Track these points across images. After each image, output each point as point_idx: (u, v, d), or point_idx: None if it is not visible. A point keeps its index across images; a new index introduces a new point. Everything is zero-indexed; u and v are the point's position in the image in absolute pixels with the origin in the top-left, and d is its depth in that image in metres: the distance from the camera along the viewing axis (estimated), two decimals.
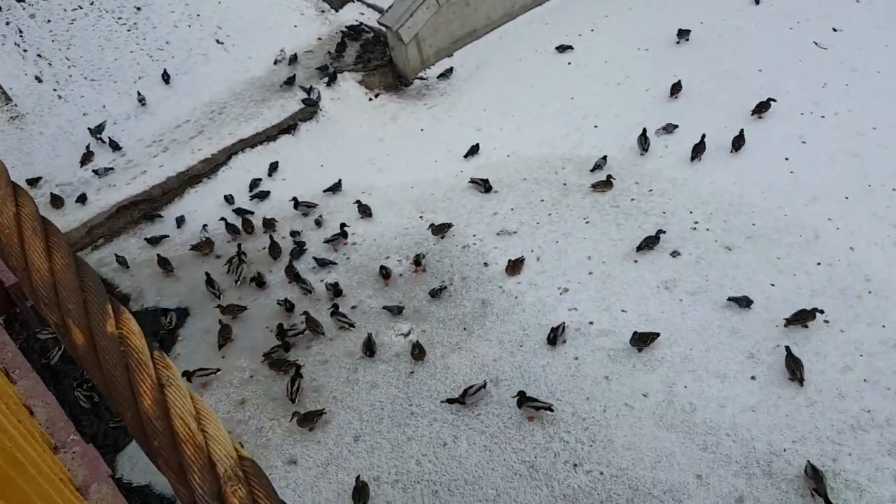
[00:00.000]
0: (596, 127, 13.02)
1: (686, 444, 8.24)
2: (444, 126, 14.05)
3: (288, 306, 10.63)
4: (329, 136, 14.26)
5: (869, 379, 8.44)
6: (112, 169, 13.17)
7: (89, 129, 13.69)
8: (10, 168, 13.03)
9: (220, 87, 14.93)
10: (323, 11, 16.51)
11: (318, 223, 12.22)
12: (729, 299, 9.40)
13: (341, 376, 9.80)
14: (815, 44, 13.27)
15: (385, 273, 10.88)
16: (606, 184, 11.53)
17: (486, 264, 10.93)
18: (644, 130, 12.24)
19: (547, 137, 13.13)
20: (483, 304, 10.33)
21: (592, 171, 12.01)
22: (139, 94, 14.07)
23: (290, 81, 14.63)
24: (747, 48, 13.65)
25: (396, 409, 9.25)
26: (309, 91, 14.28)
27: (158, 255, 11.79)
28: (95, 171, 13.12)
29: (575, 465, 8.27)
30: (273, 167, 13.50)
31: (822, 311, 8.98)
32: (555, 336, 9.41)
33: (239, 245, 11.71)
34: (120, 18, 15.38)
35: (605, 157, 12.07)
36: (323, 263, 11.35)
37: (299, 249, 11.71)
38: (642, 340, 9.12)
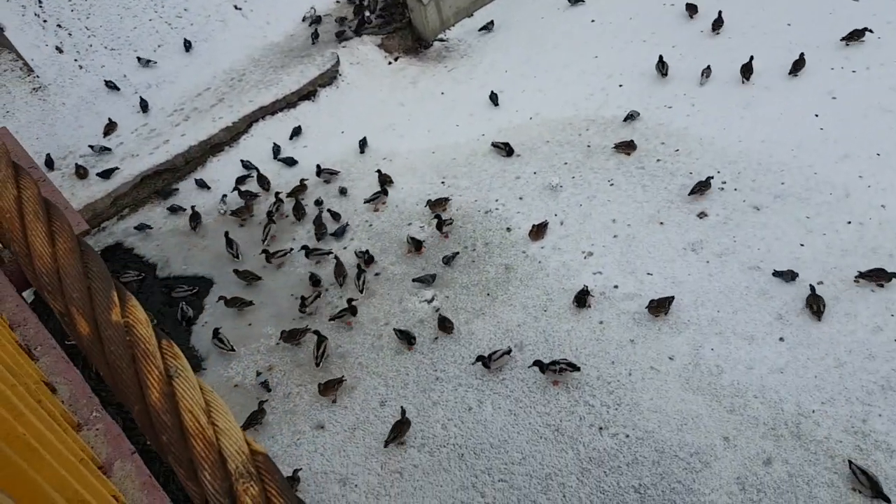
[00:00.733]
0: (621, 86, 12.73)
1: (713, 406, 8.18)
2: (465, 89, 13.84)
3: (314, 280, 10.66)
4: (349, 101, 14.13)
5: None
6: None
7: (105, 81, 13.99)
8: (34, 140, 13.00)
9: (239, 55, 14.85)
10: None
11: (343, 191, 12.18)
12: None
13: (366, 343, 9.85)
14: None
15: (416, 244, 10.73)
16: (629, 145, 11.33)
17: (508, 229, 10.83)
18: (661, 56, 12.50)
19: (570, 98, 12.87)
20: (506, 270, 10.27)
21: (625, 121, 11.91)
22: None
23: (314, 38, 14.87)
24: (776, 2, 13.19)
25: (421, 375, 9.29)
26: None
27: (193, 207, 12.09)
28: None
29: (601, 428, 8.26)
30: (296, 131, 13.45)
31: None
32: (584, 296, 9.32)
33: (275, 201, 12.07)
34: None
35: (637, 111, 11.96)
36: (339, 233, 11.39)
37: (329, 215, 11.73)
38: (660, 307, 9.01)
